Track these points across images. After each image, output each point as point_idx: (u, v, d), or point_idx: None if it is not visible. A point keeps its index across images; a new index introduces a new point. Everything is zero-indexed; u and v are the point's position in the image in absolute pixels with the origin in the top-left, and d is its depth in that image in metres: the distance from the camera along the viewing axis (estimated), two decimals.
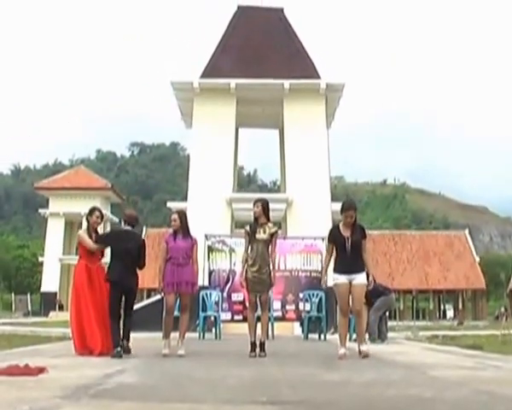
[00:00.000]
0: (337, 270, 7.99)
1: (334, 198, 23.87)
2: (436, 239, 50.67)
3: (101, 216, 8.79)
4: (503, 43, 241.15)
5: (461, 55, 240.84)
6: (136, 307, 21.07)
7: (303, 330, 15.00)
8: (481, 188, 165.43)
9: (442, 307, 53.16)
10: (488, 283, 49.41)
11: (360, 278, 7.94)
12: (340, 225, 8.08)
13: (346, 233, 7.95)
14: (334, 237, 8.06)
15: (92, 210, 8.84)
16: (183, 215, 8.56)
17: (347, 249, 7.87)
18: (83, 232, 8.77)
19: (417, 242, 50.16)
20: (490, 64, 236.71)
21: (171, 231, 8.63)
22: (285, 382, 5.46)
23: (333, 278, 8.04)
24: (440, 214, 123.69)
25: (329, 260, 8.19)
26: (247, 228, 8.44)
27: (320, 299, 14.79)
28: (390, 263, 46.41)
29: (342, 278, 7.88)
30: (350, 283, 7.87)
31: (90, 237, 8.64)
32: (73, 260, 53.83)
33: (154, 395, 4.64)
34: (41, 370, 5.60)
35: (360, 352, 7.86)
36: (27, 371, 5.57)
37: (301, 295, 15.73)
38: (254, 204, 8.45)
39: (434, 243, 49.76)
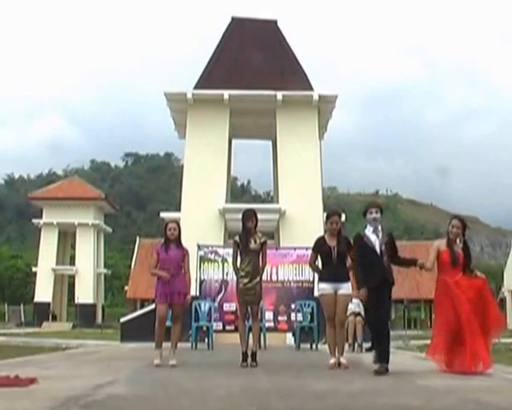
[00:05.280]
0: (323, 278, 8.11)
1: (326, 209, 23.94)
2: (427, 249, 49.58)
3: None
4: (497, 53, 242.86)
5: (452, 69, 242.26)
6: (128, 317, 21.09)
7: (295, 340, 15.04)
8: (472, 198, 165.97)
9: (433, 316, 53.14)
10: None
11: (345, 289, 8.02)
12: (326, 236, 8.19)
13: (331, 243, 8.06)
14: (319, 247, 8.16)
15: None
16: (177, 225, 8.61)
17: (333, 259, 7.98)
18: None
19: (409, 252, 50.00)
20: (479, 75, 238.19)
21: (161, 241, 8.66)
22: (275, 391, 5.50)
23: (318, 288, 8.14)
24: (432, 225, 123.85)
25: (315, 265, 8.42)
26: (237, 239, 8.47)
27: (312, 309, 14.83)
28: None
29: (328, 289, 7.97)
30: (335, 292, 7.95)
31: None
32: (67, 270, 53.98)
33: (144, 406, 4.66)
34: (31, 381, 5.60)
35: (340, 364, 7.89)
36: (17, 382, 5.58)
37: (293, 306, 15.77)
38: (249, 217, 8.41)
39: (426, 253, 48.69)
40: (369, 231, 7.58)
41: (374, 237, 7.53)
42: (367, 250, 7.49)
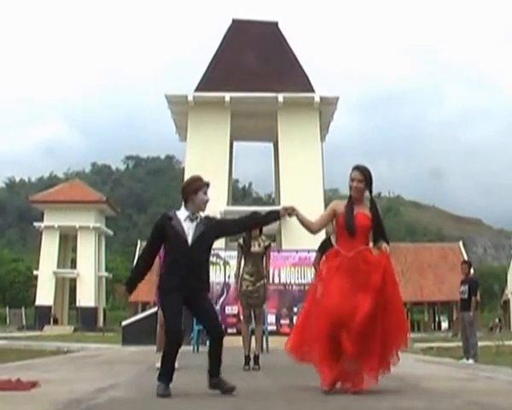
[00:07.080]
0: None
1: None
2: (430, 251, 50.79)
3: None
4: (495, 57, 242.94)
5: (453, 69, 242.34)
6: (129, 320, 21.08)
7: None
8: (475, 200, 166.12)
9: (437, 318, 53.25)
10: (482, 294, 49.48)
11: None
12: (332, 237, 8.18)
13: None
14: (325, 248, 8.14)
15: None
16: None
17: None
18: None
19: (412, 254, 50.27)
20: (480, 76, 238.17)
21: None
22: (278, 395, 5.48)
23: None
24: (434, 227, 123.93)
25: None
26: (241, 241, 8.47)
27: None
28: None
29: None
30: None
31: None
32: (68, 273, 54.00)
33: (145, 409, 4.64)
34: (33, 384, 5.57)
35: None
36: (19, 385, 5.55)
37: (295, 309, 15.75)
38: None
39: (429, 256, 49.85)
40: (182, 215, 5.34)
41: (188, 224, 5.30)
42: (173, 237, 5.28)
